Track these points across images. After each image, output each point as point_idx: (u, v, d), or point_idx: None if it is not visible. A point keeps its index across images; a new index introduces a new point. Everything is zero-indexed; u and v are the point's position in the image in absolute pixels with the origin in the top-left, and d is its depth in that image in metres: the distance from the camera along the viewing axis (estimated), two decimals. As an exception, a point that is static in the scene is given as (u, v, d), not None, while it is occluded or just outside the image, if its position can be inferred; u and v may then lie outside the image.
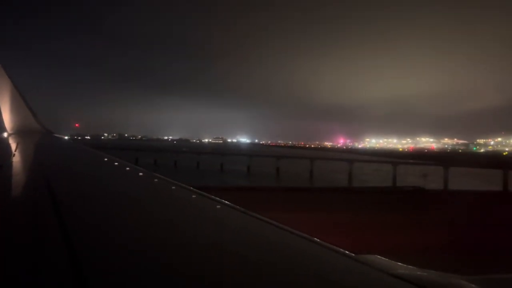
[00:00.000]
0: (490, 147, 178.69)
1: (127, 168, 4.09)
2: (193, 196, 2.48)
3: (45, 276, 0.99)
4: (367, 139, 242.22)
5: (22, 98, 8.78)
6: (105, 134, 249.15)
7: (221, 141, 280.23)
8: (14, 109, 8.52)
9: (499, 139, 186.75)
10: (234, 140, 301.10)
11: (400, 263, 1.32)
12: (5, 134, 8.09)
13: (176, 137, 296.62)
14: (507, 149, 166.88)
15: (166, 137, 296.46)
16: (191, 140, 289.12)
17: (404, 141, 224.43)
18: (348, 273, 1.27)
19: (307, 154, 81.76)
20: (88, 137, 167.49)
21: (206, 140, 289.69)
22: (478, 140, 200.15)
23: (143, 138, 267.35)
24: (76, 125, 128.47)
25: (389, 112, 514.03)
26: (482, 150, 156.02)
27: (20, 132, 8.11)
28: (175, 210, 2.16)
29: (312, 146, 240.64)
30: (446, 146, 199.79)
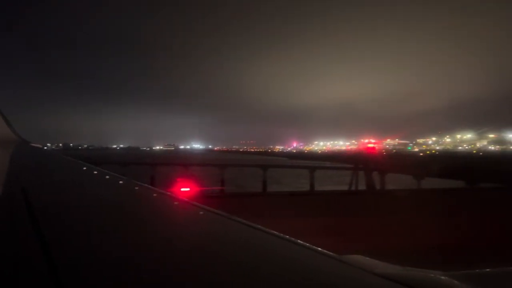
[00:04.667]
0: (424, 146, 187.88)
1: (107, 177, 4.01)
2: (176, 203, 2.41)
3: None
4: (316, 142, 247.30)
5: None
6: (49, 144, 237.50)
7: (173, 148, 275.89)
8: None
9: (434, 138, 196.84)
10: (188, 147, 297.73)
11: (384, 262, 1.32)
12: None
13: (126, 146, 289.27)
14: (438, 147, 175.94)
15: (114, 146, 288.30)
16: (141, 148, 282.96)
17: (348, 143, 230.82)
18: (333, 273, 1.26)
19: (241, 159, 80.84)
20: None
21: (157, 148, 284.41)
22: (418, 140, 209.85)
23: (90, 147, 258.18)
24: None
25: (338, 114, 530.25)
26: (416, 149, 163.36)
27: None
28: (155, 217, 2.09)
29: (262, 150, 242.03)
30: (387, 146, 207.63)
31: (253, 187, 40.20)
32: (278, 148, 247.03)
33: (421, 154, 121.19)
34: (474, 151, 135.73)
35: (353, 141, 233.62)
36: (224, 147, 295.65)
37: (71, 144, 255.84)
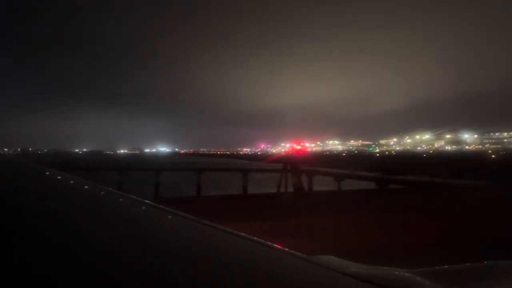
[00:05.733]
0: (385, 147, 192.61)
1: (71, 182, 3.79)
2: (143, 207, 2.27)
3: None
4: (282, 144, 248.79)
5: None
6: (5, 149, 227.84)
7: (138, 152, 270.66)
8: None
9: (395, 139, 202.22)
10: (154, 150, 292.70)
11: (353, 262, 1.34)
12: None
13: (88, 149, 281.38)
14: (398, 148, 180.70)
15: (76, 150, 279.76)
16: (105, 152, 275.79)
17: (313, 145, 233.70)
18: (302, 274, 1.25)
19: (184, 162, 79.56)
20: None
21: (122, 151, 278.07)
22: (380, 141, 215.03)
23: (50, 152, 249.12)
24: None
25: (304, 116, 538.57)
26: (377, 150, 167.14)
27: None
28: (121, 222, 2.02)
29: (228, 153, 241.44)
30: (351, 147, 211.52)
31: (191, 191, 39.29)
32: (246, 150, 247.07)
33: (377, 155, 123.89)
34: (431, 151, 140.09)
35: (319, 142, 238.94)
36: (191, 150, 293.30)
37: (30, 149, 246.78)
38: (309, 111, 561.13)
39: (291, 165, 35.24)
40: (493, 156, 77.62)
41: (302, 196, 28.42)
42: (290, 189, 32.60)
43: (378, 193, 30.04)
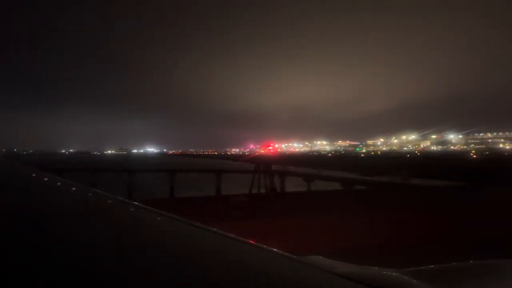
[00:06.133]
0: (372, 147, 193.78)
1: (58, 183, 2.86)
2: (131, 209, 2.10)
3: None
4: (271, 144, 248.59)
5: None
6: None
7: (125, 152, 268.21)
8: None
9: (382, 139, 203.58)
10: (141, 151, 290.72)
11: (342, 262, 1.35)
12: None
13: (75, 150, 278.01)
14: (385, 148, 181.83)
15: (63, 150, 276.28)
16: (92, 153, 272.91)
17: (301, 145, 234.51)
18: (292, 275, 1.24)
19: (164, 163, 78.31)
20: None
21: (109, 152, 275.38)
22: (368, 141, 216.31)
23: (36, 152, 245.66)
24: None
25: (293, 117, 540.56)
26: (364, 150, 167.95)
27: None
28: (109, 222, 1.98)
29: (216, 153, 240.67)
30: (338, 148, 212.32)
31: (164, 193, 38.74)
32: (234, 151, 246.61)
33: (362, 155, 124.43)
34: (416, 152, 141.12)
35: (307, 142, 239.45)
36: (179, 151, 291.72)
37: (15, 149, 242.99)
38: (299, 112, 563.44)
39: (263, 165, 34.82)
40: (474, 156, 78.32)
41: (250, 200, 28.08)
42: (264, 190, 32.22)
43: (338, 194, 29.90)
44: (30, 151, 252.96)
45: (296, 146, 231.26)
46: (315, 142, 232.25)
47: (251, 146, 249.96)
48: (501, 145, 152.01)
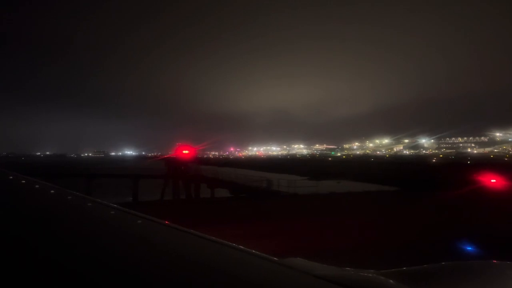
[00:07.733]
0: (346, 151, 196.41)
1: (37, 186, 2.86)
2: (112, 212, 2.13)
3: None
4: (250, 148, 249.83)
5: None
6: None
7: (103, 155, 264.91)
8: None
9: (357, 143, 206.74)
10: (119, 153, 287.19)
11: (323, 264, 1.35)
12: None
13: (51, 152, 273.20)
14: (359, 152, 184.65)
15: (38, 153, 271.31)
16: (68, 155, 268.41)
17: (279, 148, 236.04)
18: (272, 277, 1.24)
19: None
20: None
21: (86, 154, 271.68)
22: (344, 145, 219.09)
23: (9, 155, 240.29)
24: None
25: (272, 120, 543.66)
26: (338, 154, 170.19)
27: None
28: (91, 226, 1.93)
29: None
30: (315, 151, 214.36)
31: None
32: (212, 154, 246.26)
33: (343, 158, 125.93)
34: (387, 155, 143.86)
35: (285, 146, 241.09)
36: (159, 153, 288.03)
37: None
38: (278, 115, 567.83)
39: (174, 170, 31.20)
40: (433, 160, 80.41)
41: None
42: (182, 196, 29.64)
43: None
44: (4, 153, 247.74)
45: (274, 150, 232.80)
46: (293, 145, 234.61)
47: (231, 148, 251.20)
48: (469, 150, 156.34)
